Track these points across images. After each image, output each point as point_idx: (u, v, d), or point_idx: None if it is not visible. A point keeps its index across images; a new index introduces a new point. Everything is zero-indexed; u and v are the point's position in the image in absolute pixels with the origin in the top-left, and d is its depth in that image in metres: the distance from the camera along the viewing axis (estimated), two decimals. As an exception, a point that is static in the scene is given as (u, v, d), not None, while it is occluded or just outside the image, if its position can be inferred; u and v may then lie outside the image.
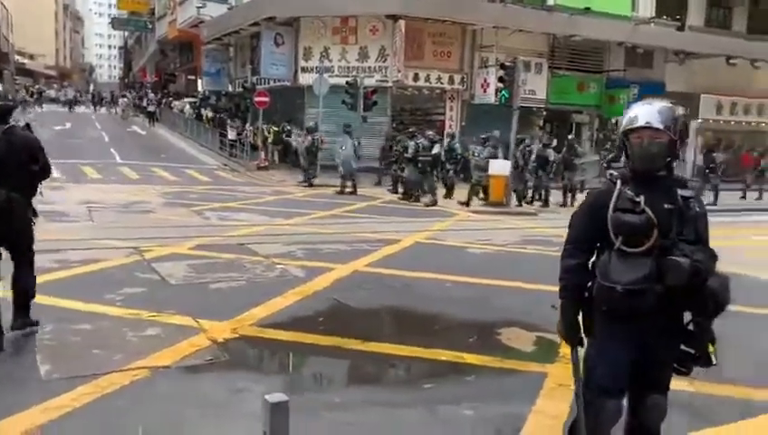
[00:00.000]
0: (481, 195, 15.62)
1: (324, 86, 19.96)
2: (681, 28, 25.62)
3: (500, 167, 15.29)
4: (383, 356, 4.95)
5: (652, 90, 23.94)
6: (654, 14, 25.42)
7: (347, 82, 19.61)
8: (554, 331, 2.93)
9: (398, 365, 4.90)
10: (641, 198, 2.56)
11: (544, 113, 24.17)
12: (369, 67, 21.62)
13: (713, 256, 2.59)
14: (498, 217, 14.12)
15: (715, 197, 17.79)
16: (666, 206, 2.55)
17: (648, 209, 2.54)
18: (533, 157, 16.59)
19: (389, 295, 6.75)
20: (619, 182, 2.65)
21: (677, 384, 3.27)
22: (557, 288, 2.84)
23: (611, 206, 2.61)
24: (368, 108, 19.73)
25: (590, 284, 2.69)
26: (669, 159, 2.61)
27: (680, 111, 2.65)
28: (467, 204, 15.31)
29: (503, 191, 15.31)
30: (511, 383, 4.49)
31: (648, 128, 2.57)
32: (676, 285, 2.48)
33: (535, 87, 22.60)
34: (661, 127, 2.56)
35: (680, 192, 2.60)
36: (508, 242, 10.65)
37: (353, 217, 12.98)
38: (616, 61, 24.82)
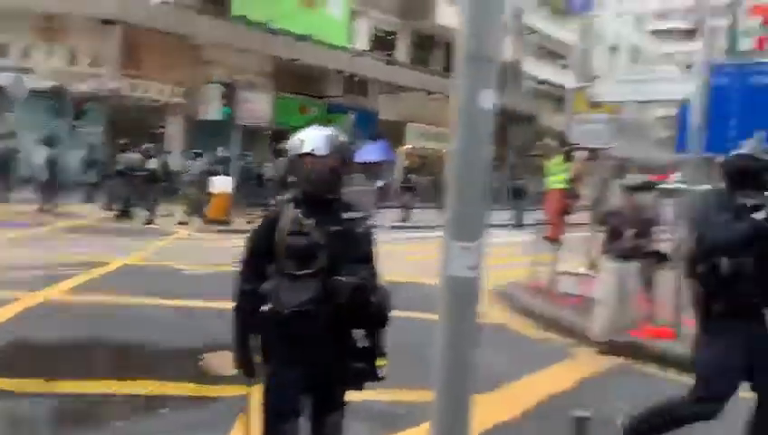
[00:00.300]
0: (191, 211, 15.22)
1: (22, 89, 17.69)
2: (391, 63, 28.29)
3: (222, 184, 15.12)
4: (72, 396, 4.50)
5: (367, 117, 26.05)
6: (368, 48, 27.70)
7: (53, 87, 17.67)
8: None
9: (88, 404, 4.49)
10: (311, 221, 2.68)
11: (270, 133, 24.60)
12: (81, 73, 19.76)
13: (375, 274, 2.82)
14: (219, 235, 13.92)
15: (407, 215, 19.62)
16: (333, 228, 2.70)
17: (316, 232, 2.67)
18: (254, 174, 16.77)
19: (87, 326, 6.19)
20: (291, 205, 2.76)
21: (363, 394, 3.53)
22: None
23: (282, 228, 2.70)
24: (78, 117, 18.00)
25: (263, 308, 2.76)
26: (336, 182, 2.77)
27: (343, 137, 2.86)
28: (186, 222, 14.82)
29: (225, 209, 15.16)
30: (210, 412, 4.41)
31: (312, 154, 2.70)
32: (341, 303, 2.65)
33: (260, 107, 22.86)
34: (327, 153, 2.70)
35: (347, 214, 2.77)
36: (226, 261, 10.53)
37: (54, 237, 11.67)
38: (336, 87, 26.40)
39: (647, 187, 6.66)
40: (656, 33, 56.34)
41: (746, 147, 3.57)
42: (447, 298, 2.15)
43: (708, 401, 3.52)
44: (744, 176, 3.45)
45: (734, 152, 3.58)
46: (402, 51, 29.77)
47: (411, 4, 28.11)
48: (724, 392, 3.49)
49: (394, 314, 2.86)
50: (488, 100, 2.01)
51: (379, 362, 2.82)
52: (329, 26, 25.17)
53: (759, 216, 3.24)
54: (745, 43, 9.52)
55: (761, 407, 3.54)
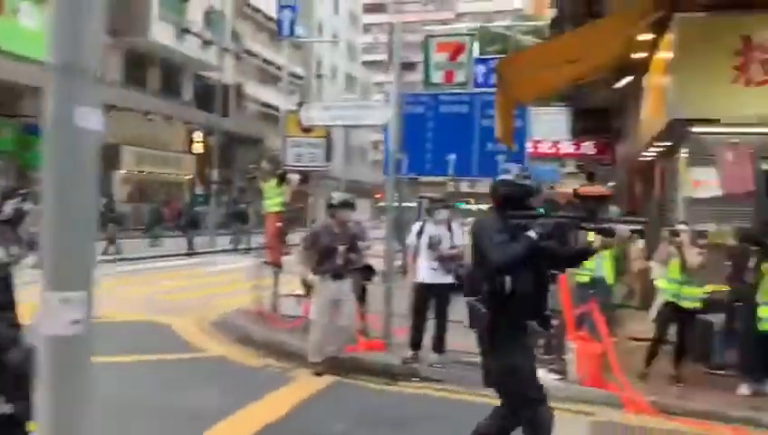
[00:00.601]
0: None
1: None
2: (101, 81, 26.00)
3: None
4: None
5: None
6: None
7: None
8: None
9: None
10: None
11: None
12: None
13: (15, 326, 2.33)
14: None
15: (113, 245, 17.72)
16: None
17: None
18: None
19: None
20: None
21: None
22: None
23: None
24: None
25: None
26: None
27: None
28: None
29: None
30: None
31: None
32: None
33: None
34: None
35: None
36: None
37: None
38: (33, 106, 23.37)
39: (348, 204, 6.82)
40: (366, 63, 61.21)
41: (509, 173, 3.72)
42: (50, 363, 1.72)
43: (538, 410, 3.55)
44: (509, 201, 3.65)
45: (499, 178, 3.74)
46: (114, 68, 27.60)
47: (122, 21, 26.25)
48: (543, 395, 3.60)
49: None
50: (89, 119, 1.71)
51: (28, 427, 2.34)
52: (21, 38, 22.20)
53: (532, 234, 3.40)
54: (437, 76, 10.52)
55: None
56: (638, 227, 3.86)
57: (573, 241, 3.84)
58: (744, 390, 6.19)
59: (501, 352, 3.55)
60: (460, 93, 10.03)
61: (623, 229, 3.56)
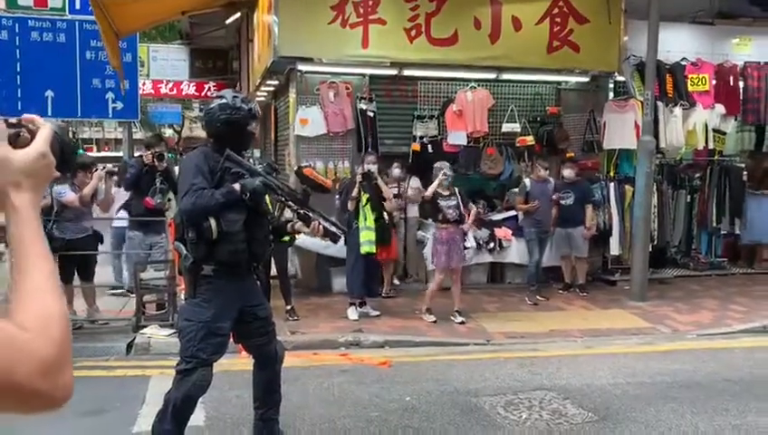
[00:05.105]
0: None
1: None
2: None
3: None
4: None
5: None
6: None
7: None
8: None
9: None
10: None
11: None
12: None
13: None
14: None
15: None
16: None
17: None
18: None
19: None
20: None
21: None
22: None
23: None
24: None
25: None
26: None
27: None
28: None
29: None
30: None
31: None
32: None
33: None
34: None
35: None
36: None
37: None
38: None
39: None
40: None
41: (223, 98, 3.20)
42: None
43: (200, 368, 3.14)
44: (230, 126, 3.16)
45: (215, 103, 3.19)
46: None
47: None
48: (214, 356, 3.20)
49: None
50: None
51: None
52: None
53: (236, 187, 3.03)
54: (25, -1, 8.77)
55: (259, 362, 3.46)
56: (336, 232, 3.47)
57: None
58: (352, 314, 6.60)
59: (193, 299, 3.19)
60: (55, 19, 8.56)
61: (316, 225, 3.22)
